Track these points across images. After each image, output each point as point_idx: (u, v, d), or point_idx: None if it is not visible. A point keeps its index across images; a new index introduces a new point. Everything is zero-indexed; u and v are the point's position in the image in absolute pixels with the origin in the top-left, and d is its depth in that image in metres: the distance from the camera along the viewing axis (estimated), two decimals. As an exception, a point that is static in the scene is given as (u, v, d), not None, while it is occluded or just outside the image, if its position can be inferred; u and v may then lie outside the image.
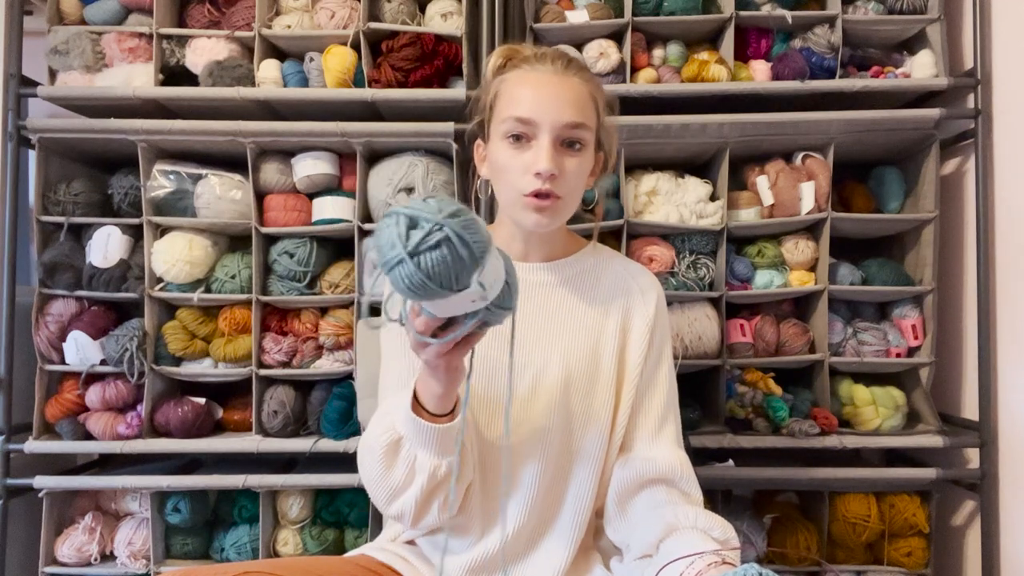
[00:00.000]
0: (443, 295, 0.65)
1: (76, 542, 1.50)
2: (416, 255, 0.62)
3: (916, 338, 1.51)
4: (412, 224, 0.63)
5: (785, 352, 1.52)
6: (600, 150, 1.02)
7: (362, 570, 0.95)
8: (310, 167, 1.50)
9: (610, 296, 1.03)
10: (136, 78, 1.51)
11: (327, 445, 1.46)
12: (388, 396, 0.99)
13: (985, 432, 1.44)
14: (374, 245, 0.65)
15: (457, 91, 1.48)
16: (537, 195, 0.92)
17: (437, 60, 1.49)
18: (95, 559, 1.50)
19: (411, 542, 1.03)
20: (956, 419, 1.54)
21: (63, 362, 1.50)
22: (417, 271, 0.62)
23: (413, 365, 0.99)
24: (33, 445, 1.47)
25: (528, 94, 0.92)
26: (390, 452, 0.86)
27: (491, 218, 1.32)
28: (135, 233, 1.52)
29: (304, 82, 1.53)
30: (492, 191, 1.01)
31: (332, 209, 1.50)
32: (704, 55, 1.54)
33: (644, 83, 1.52)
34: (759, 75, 1.54)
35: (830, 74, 1.51)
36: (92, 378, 1.51)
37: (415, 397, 0.83)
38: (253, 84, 1.51)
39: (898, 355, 1.51)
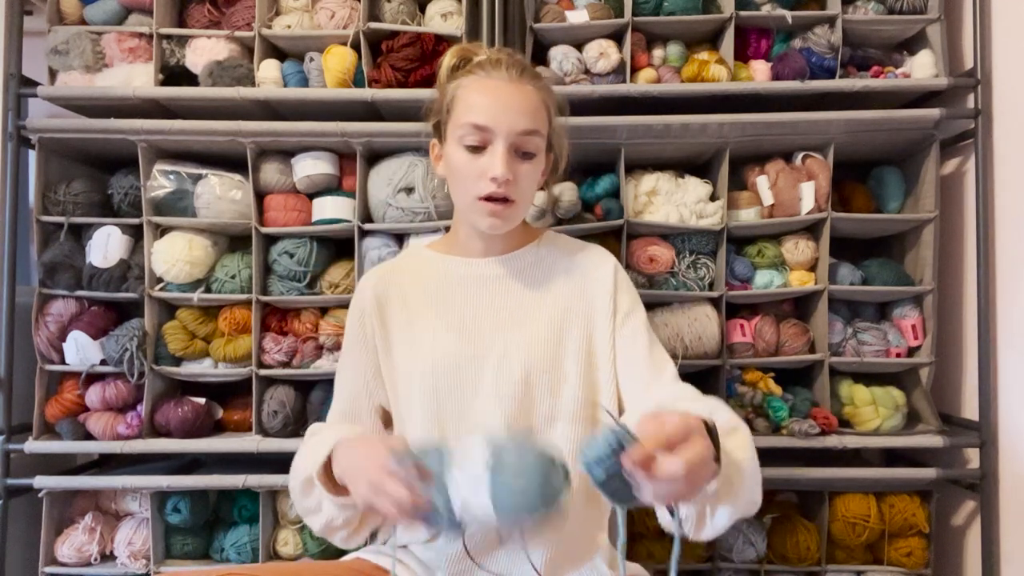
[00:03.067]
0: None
1: (76, 542, 1.50)
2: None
3: (916, 338, 1.51)
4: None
5: (785, 352, 1.52)
6: (551, 151, 1.06)
7: (354, 573, 0.96)
8: (310, 167, 1.50)
9: (566, 280, 1.05)
10: (136, 78, 1.51)
11: (327, 445, 1.46)
12: (335, 414, 1.07)
13: (985, 432, 1.44)
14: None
15: (457, 91, 1.47)
16: (492, 199, 0.97)
17: (437, 60, 1.49)
18: (95, 559, 1.50)
19: (403, 546, 1.03)
20: (956, 419, 1.54)
21: (63, 362, 1.50)
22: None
23: (368, 385, 1.05)
24: (33, 445, 1.47)
25: (484, 101, 0.97)
26: (307, 485, 0.93)
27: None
28: (135, 233, 1.52)
29: (304, 82, 1.53)
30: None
31: (332, 209, 1.50)
32: (704, 55, 1.54)
33: (644, 83, 1.52)
34: (759, 75, 1.54)
35: (830, 74, 1.51)
36: (92, 378, 1.51)
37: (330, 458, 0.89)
38: (253, 84, 1.51)
39: (898, 355, 1.51)
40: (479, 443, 0.74)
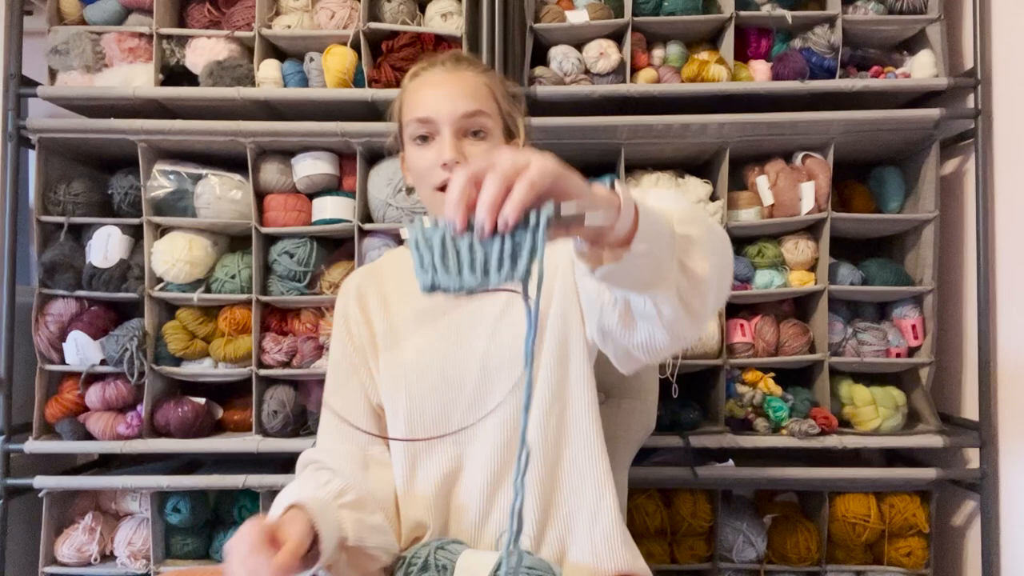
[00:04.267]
0: None
1: (76, 542, 1.50)
2: None
3: (916, 338, 1.51)
4: None
5: (785, 352, 1.52)
6: (513, 137, 1.04)
7: None
8: (310, 167, 1.50)
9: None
10: (136, 78, 1.51)
11: (327, 445, 1.46)
12: (331, 428, 1.01)
13: (985, 432, 1.44)
14: None
15: (457, 91, 1.47)
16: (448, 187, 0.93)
17: (437, 60, 1.49)
18: (95, 559, 1.50)
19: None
20: (956, 419, 1.54)
21: (63, 362, 1.50)
22: None
23: (364, 387, 1.02)
24: (33, 445, 1.47)
25: (423, 95, 0.97)
26: None
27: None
28: (135, 233, 1.52)
29: (304, 82, 1.53)
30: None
31: (332, 209, 1.50)
32: (704, 55, 1.54)
33: (644, 83, 1.52)
34: (759, 75, 1.54)
35: (830, 74, 1.51)
36: (92, 378, 1.51)
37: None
38: (253, 84, 1.51)
39: (898, 355, 1.51)
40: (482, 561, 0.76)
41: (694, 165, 1.62)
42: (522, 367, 0.91)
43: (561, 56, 1.52)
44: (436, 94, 0.96)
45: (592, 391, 0.97)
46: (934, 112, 1.44)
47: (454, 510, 0.96)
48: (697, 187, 1.51)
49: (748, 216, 1.51)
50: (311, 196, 1.53)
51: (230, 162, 1.53)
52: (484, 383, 0.95)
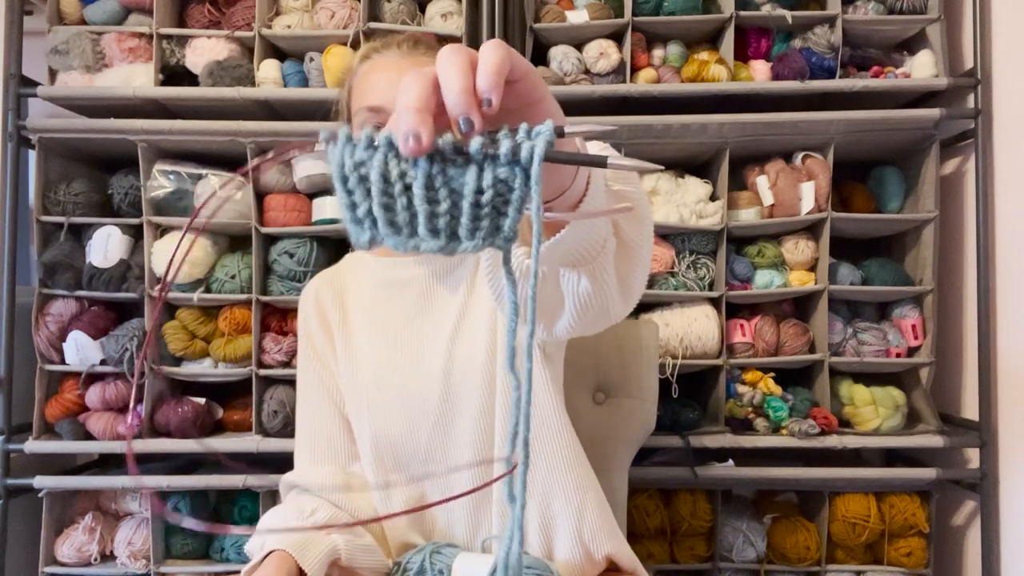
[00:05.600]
0: None
1: (76, 542, 1.50)
2: None
3: (916, 338, 1.51)
4: None
5: (785, 352, 1.52)
6: None
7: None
8: (310, 167, 1.50)
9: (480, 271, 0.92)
10: (136, 78, 1.51)
11: (327, 445, 1.46)
12: (305, 452, 0.97)
13: (985, 432, 1.44)
14: None
15: (457, 91, 1.47)
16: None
17: (437, 60, 1.49)
18: (95, 559, 1.50)
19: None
20: (956, 419, 1.54)
21: (63, 362, 1.50)
22: None
23: (336, 404, 0.97)
24: (33, 445, 1.47)
25: (374, 81, 0.88)
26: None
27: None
28: (135, 233, 1.52)
29: (304, 82, 1.53)
30: None
31: (332, 209, 1.50)
32: (704, 55, 1.54)
33: (644, 83, 1.52)
34: (759, 75, 1.54)
35: (830, 74, 1.51)
36: (92, 378, 1.51)
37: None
38: (253, 84, 1.51)
39: (898, 355, 1.51)
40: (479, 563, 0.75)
41: (694, 165, 1.62)
42: (482, 382, 0.87)
43: (561, 56, 1.52)
44: (388, 80, 0.86)
45: (556, 393, 0.91)
46: (934, 112, 1.44)
47: (439, 530, 0.93)
48: (697, 187, 1.51)
49: (748, 216, 1.51)
50: (311, 196, 1.53)
51: (230, 162, 1.53)
52: (448, 400, 0.89)
